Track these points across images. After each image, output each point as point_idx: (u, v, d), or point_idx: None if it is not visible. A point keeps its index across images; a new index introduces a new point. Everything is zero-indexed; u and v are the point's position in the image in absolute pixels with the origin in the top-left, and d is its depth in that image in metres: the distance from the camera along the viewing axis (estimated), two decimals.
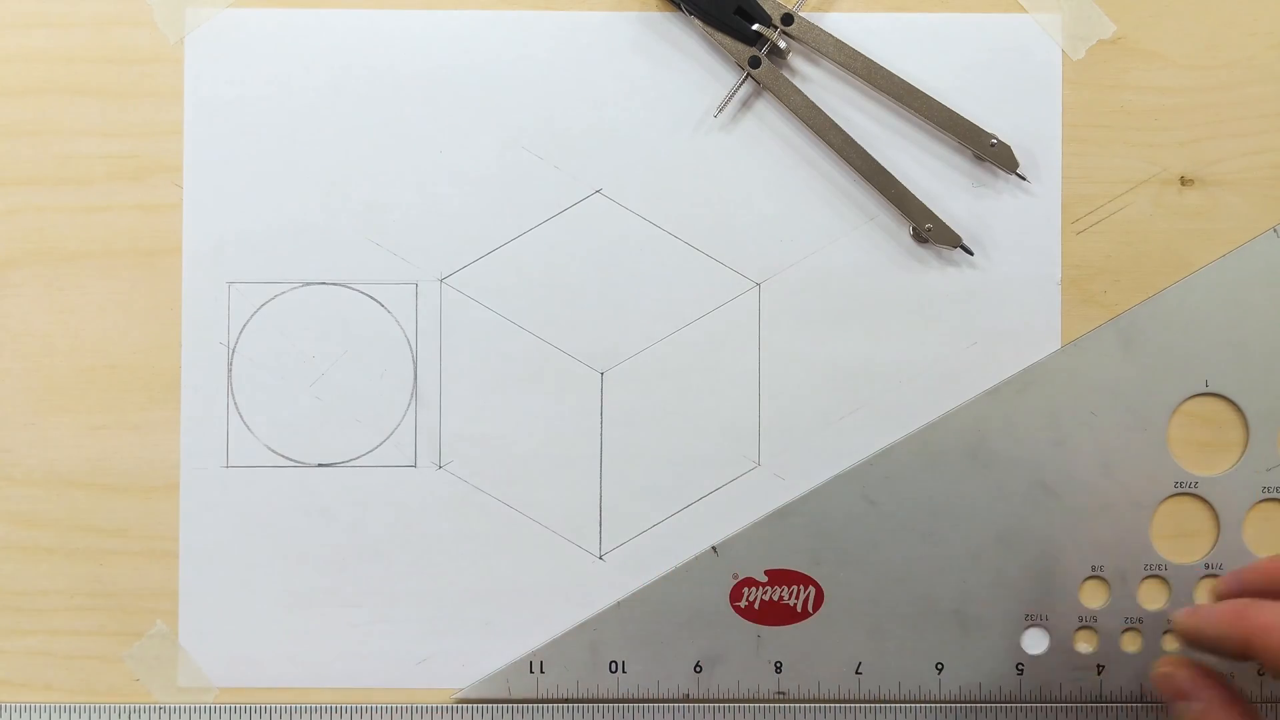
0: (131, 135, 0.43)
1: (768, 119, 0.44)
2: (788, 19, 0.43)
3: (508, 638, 0.43)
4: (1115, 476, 0.43)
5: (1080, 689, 0.43)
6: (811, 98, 0.43)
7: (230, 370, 0.43)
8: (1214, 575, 0.43)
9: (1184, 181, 0.44)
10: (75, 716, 0.43)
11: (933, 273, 0.44)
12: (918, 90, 0.43)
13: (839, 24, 0.44)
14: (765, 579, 0.42)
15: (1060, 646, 0.43)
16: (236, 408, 0.43)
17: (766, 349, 0.44)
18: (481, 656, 0.43)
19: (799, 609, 0.42)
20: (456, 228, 0.44)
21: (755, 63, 0.43)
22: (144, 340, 0.43)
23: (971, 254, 0.43)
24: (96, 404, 0.43)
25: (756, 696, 0.43)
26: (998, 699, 0.43)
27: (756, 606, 0.43)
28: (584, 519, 0.44)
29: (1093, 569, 0.43)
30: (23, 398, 0.43)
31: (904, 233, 0.44)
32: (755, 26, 0.42)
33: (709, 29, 0.43)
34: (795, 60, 0.44)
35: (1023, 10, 0.44)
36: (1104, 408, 0.43)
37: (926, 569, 0.43)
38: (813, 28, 0.43)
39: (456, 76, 0.44)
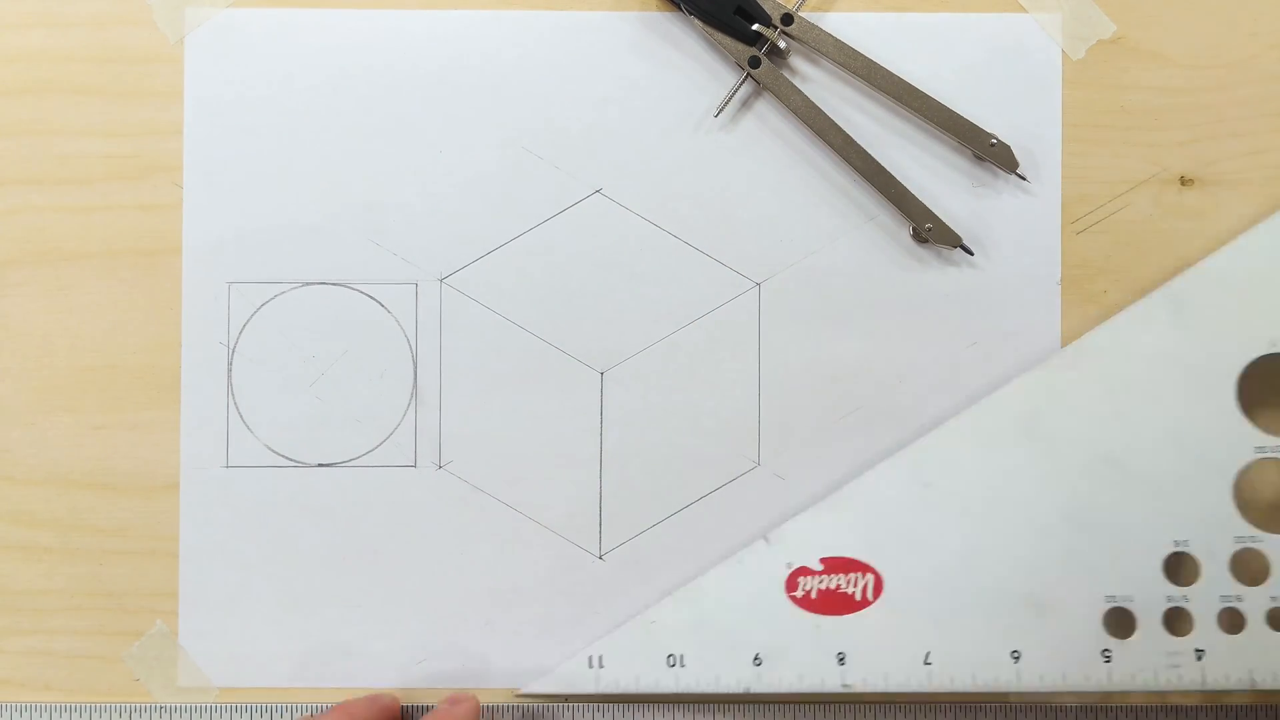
0: (131, 135, 0.43)
1: (768, 119, 0.44)
2: (787, 19, 0.43)
3: (508, 638, 0.43)
4: (1186, 446, 0.40)
5: (1180, 676, 0.40)
6: (811, 98, 0.43)
7: (230, 370, 0.43)
8: None
9: (1184, 181, 0.44)
10: (75, 716, 0.43)
11: (933, 273, 0.44)
12: (918, 90, 0.43)
13: (839, 24, 0.44)
14: (821, 568, 0.41)
15: (1150, 631, 0.40)
16: (236, 408, 0.43)
17: (766, 349, 0.44)
18: (482, 656, 0.43)
19: (858, 597, 0.41)
20: (456, 228, 0.44)
21: (755, 63, 0.43)
22: (144, 340, 0.43)
23: (971, 254, 0.43)
24: (96, 404, 0.43)
25: (820, 690, 0.41)
26: (1084, 688, 0.41)
27: (814, 596, 0.41)
28: (584, 519, 0.44)
29: (1175, 544, 0.40)
30: (23, 398, 0.43)
31: (904, 233, 0.44)
32: (755, 26, 0.42)
33: (709, 29, 0.43)
34: (795, 60, 0.44)
35: (1023, 10, 0.44)
36: (1162, 377, 0.41)
37: (991, 552, 0.41)
38: (813, 28, 0.43)
39: (456, 76, 0.44)
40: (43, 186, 0.43)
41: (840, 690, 0.41)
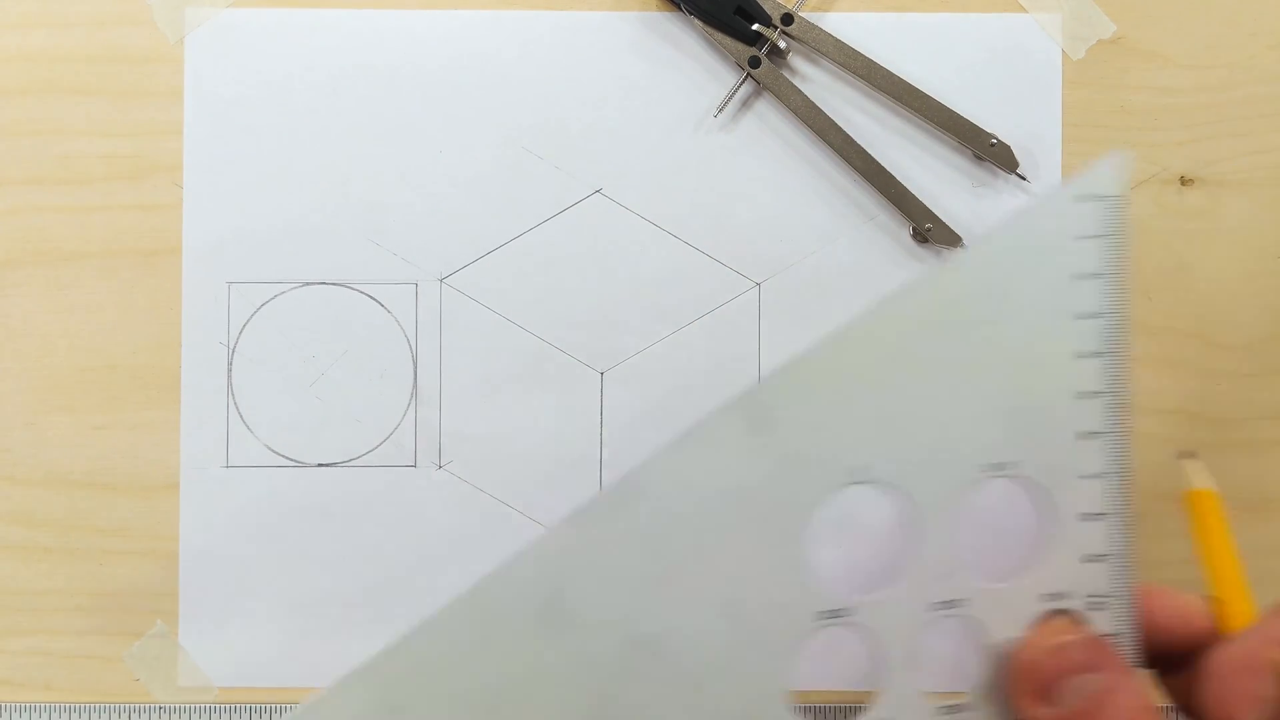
0: (131, 135, 0.43)
1: (768, 119, 0.44)
2: (788, 19, 0.43)
3: None
4: (741, 617, 0.30)
5: None
6: (812, 98, 0.43)
7: (230, 370, 0.43)
8: None
9: (1184, 181, 0.44)
10: (75, 716, 0.43)
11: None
12: (918, 90, 0.43)
13: (839, 24, 0.44)
14: None
15: None
16: (236, 408, 0.43)
17: (766, 349, 0.44)
18: None
19: None
20: (456, 228, 0.44)
21: (755, 63, 0.43)
22: (144, 340, 0.43)
23: None
24: (96, 404, 0.43)
25: None
26: None
27: None
28: None
29: None
30: (23, 398, 0.43)
31: (904, 233, 0.44)
32: (755, 26, 0.42)
33: (709, 29, 0.43)
34: (795, 60, 0.44)
35: (1023, 10, 0.44)
36: (725, 523, 0.30)
37: None
38: (813, 28, 0.43)
39: (456, 76, 0.44)
40: (43, 186, 0.43)
41: None
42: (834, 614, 0.31)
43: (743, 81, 0.43)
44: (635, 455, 0.43)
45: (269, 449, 0.44)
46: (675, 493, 0.30)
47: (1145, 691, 0.30)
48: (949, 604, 0.31)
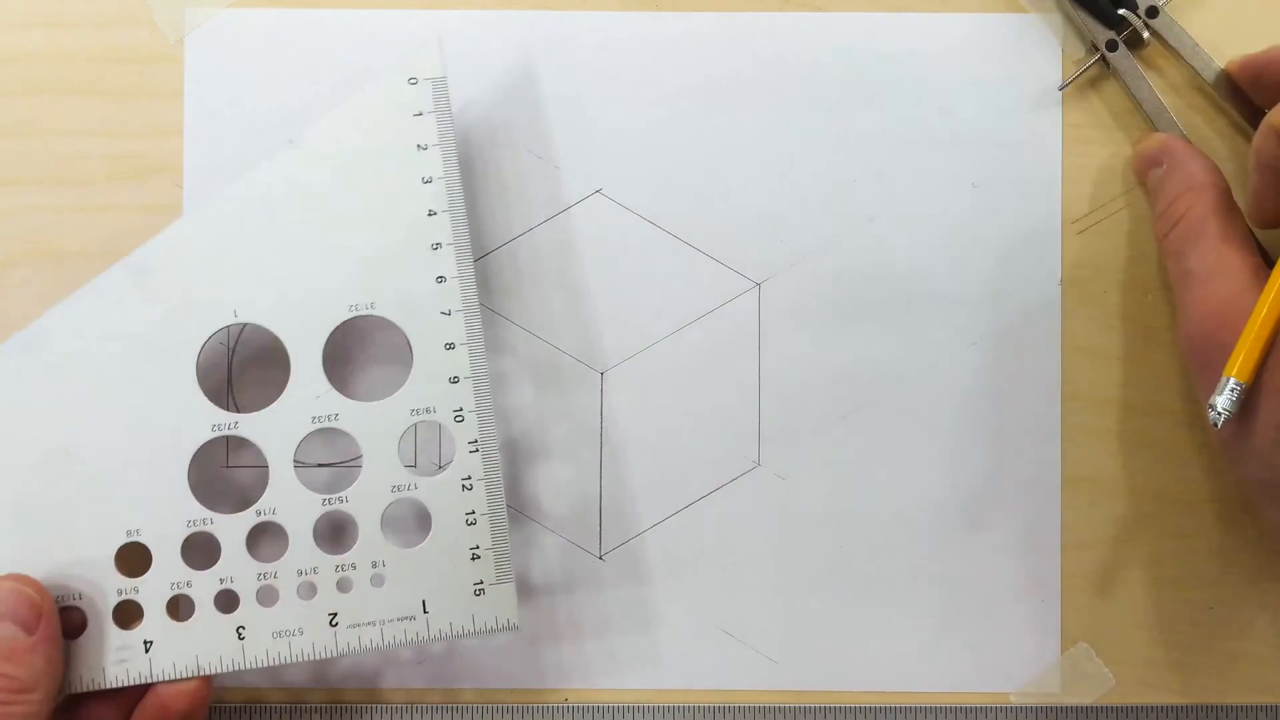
0: (131, 135, 0.43)
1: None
2: (1152, 11, 0.43)
3: (507, 638, 0.43)
4: (147, 431, 0.39)
5: (128, 672, 0.38)
6: (1158, 91, 0.43)
7: (230, 370, 0.43)
8: (268, 521, 0.39)
9: None
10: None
11: (933, 273, 0.44)
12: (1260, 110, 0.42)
13: (1201, 26, 0.44)
14: None
15: (99, 628, 0.38)
16: (237, 407, 0.43)
17: (766, 349, 0.44)
18: (481, 656, 0.43)
19: None
20: None
21: (1113, 46, 0.43)
22: None
23: None
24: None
25: None
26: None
27: None
28: (584, 519, 0.44)
29: (128, 534, 0.38)
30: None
31: (903, 233, 0.44)
32: (1121, 11, 0.43)
33: (1076, 5, 0.43)
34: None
35: (1023, 10, 0.44)
36: (123, 357, 0.39)
37: None
38: (1173, 24, 0.43)
39: (456, 76, 0.44)
40: (43, 186, 0.43)
41: None
42: (223, 426, 0.39)
43: (1094, 61, 0.43)
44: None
45: None
46: (75, 338, 0.39)
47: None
48: (324, 418, 0.39)
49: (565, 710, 0.44)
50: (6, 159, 0.43)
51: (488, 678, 0.44)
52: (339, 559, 0.39)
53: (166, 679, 0.38)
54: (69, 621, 0.38)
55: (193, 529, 0.39)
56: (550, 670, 0.44)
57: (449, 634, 0.39)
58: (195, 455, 0.39)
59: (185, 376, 0.39)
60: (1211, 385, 0.36)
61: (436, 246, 0.39)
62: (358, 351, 0.43)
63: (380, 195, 0.39)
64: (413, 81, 0.40)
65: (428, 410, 0.39)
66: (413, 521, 0.41)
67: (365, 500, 0.39)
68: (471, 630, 0.39)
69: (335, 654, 0.39)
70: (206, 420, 0.39)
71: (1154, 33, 0.43)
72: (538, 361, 0.44)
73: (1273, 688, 0.44)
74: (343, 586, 0.39)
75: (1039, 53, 0.44)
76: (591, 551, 0.44)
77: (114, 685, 0.38)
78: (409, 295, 0.39)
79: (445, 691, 0.44)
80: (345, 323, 0.39)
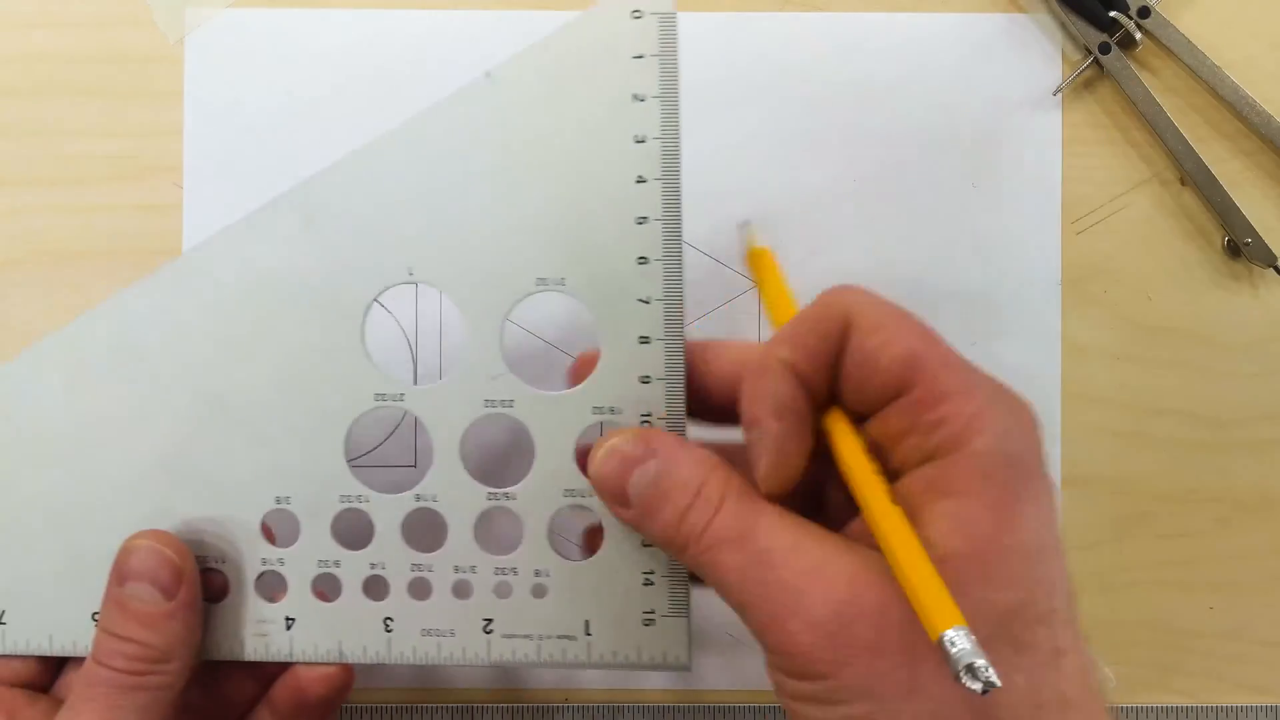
0: (131, 135, 0.43)
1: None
2: (1144, 12, 0.43)
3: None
4: (303, 389, 0.35)
5: (268, 646, 0.35)
6: (1153, 92, 0.43)
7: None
8: (426, 507, 0.35)
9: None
10: None
11: (933, 273, 0.44)
12: (1260, 108, 0.43)
13: (1193, 25, 0.44)
14: None
15: (241, 595, 0.35)
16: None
17: None
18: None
19: None
20: None
21: (1105, 48, 0.43)
22: None
23: None
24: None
25: None
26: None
27: None
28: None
29: (277, 501, 0.35)
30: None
31: (903, 233, 0.44)
32: (1112, 13, 0.43)
33: (1065, 8, 0.43)
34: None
35: (1023, 10, 0.44)
36: (284, 303, 0.35)
37: (77, 504, 0.35)
38: (1168, 25, 0.43)
39: (456, 76, 0.43)
40: (43, 186, 0.43)
41: None
42: (388, 396, 0.35)
43: (1088, 64, 0.43)
44: None
45: None
46: (235, 271, 0.35)
47: (701, 460, 0.31)
48: (497, 403, 0.35)
49: (565, 710, 0.44)
50: (6, 159, 0.43)
51: (488, 678, 0.44)
52: (499, 561, 0.35)
53: (307, 660, 0.35)
54: (210, 585, 0.35)
55: (345, 505, 0.35)
56: (550, 670, 0.44)
57: (611, 662, 0.34)
58: (353, 425, 0.35)
59: (351, 335, 0.35)
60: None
61: (642, 220, 0.34)
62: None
63: (583, 152, 0.34)
64: (636, 15, 0.33)
65: (612, 410, 0.34)
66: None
67: (534, 500, 0.35)
68: (636, 663, 0.34)
69: (488, 663, 0.35)
70: (371, 387, 0.35)
71: (1147, 33, 0.43)
72: (534, 357, 0.44)
73: (1272, 688, 0.44)
74: (501, 591, 0.35)
75: (1039, 53, 0.44)
76: None
77: (252, 659, 0.35)
78: (604, 275, 0.34)
79: (445, 691, 0.43)
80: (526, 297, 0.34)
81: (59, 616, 0.35)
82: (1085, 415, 0.44)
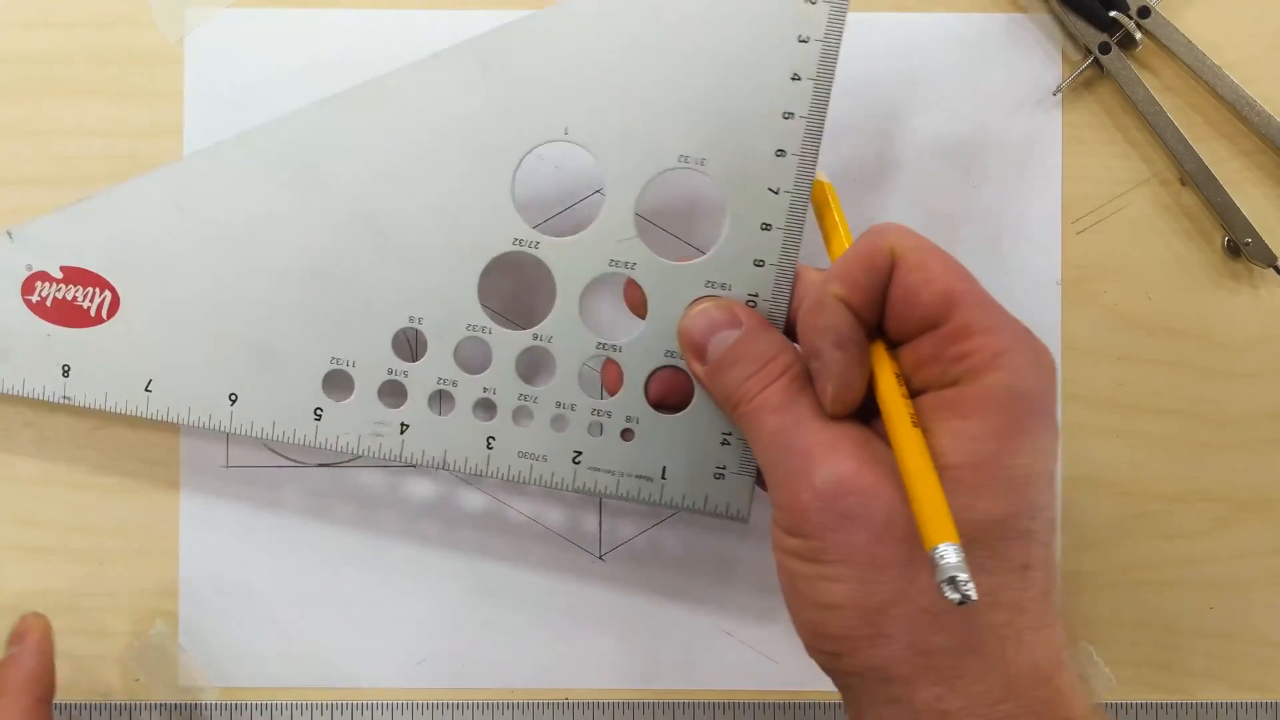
0: (131, 135, 0.43)
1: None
2: (1144, 11, 0.43)
3: (508, 638, 0.43)
4: (450, 223, 0.38)
5: (381, 446, 0.39)
6: (1154, 92, 0.43)
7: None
8: (541, 346, 0.38)
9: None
10: (75, 716, 0.43)
11: None
12: (1259, 107, 0.43)
13: (1193, 25, 0.44)
14: (60, 275, 0.40)
15: (364, 397, 0.39)
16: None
17: None
18: (481, 656, 0.43)
19: (93, 313, 0.39)
20: None
21: (1105, 48, 0.43)
22: None
23: None
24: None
25: (43, 396, 0.40)
26: (292, 441, 0.39)
27: (49, 304, 0.39)
28: (584, 519, 0.44)
29: (410, 319, 0.39)
30: (23, 398, 0.43)
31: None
32: (1112, 13, 0.43)
33: (1065, 8, 0.43)
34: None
35: (1022, 10, 0.44)
36: (451, 143, 0.38)
37: (231, 291, 0.39)
38: (1166, 24, 0.43)
39: None
40: (43, 186, 0.43)
41: (61, 401, 0.40)
42: (525, 242, 0.38)
43: (1088, 64, 0.43)
44: None
45: (269, 449, 0.44)
46: (414, 105, 0.38)
47: (775, 341, 0.35)
48: (621, 264, 0.38)
49: (565, 709, 0.44)
50: (6, 159, 0.43)
51: (488, 677, 0.44)
52: (596, 404, 0.39)
53: (415, 463, 0.39)
54: (336, 383, 0.39)
55: (471, 333, 0.39)
56: (550, 670, 0.44)
57: (680, 505, 0.38)
58: (489, 264, 0.38)
59: (503, 180, 0.38)
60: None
61: (789, 116, 0.36)
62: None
63: (748, 39, 0.36)
64: None
65: (724, 286, 0.37)
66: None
67: (637, 356, 0.38)
68: (702, 508, 0.38)
69: (572, 488, 0.39)
70: (510, 231, 0.38)
71: (1147, 33, 0.43)
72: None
73: (1273, 687, 0.44)
74: (593, 431, 0.39)
75: (1039, 53, 0.44)
76: (591, 551, 0.44)
77: (366, 455, 0.39)
78: (743, 160, 0.37)
79: (446, 691, 0.44)
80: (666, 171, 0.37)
81: (198, 391, 0.39)
82: (1085, 415, 0.44)
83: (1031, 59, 0.44)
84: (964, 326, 0.32)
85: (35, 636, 0.40)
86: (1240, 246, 0.43)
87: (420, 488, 0.44)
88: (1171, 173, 0.44)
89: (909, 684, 0.31)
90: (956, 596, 0.29)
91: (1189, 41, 0.43)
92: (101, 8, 0.43)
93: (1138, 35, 0.43)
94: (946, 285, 0.32)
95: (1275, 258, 0.43)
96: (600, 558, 0.44)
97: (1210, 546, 0.44)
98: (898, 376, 0.33)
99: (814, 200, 0.37)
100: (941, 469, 0.31)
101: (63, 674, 0.43)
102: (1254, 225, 0.43)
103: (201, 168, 0.39)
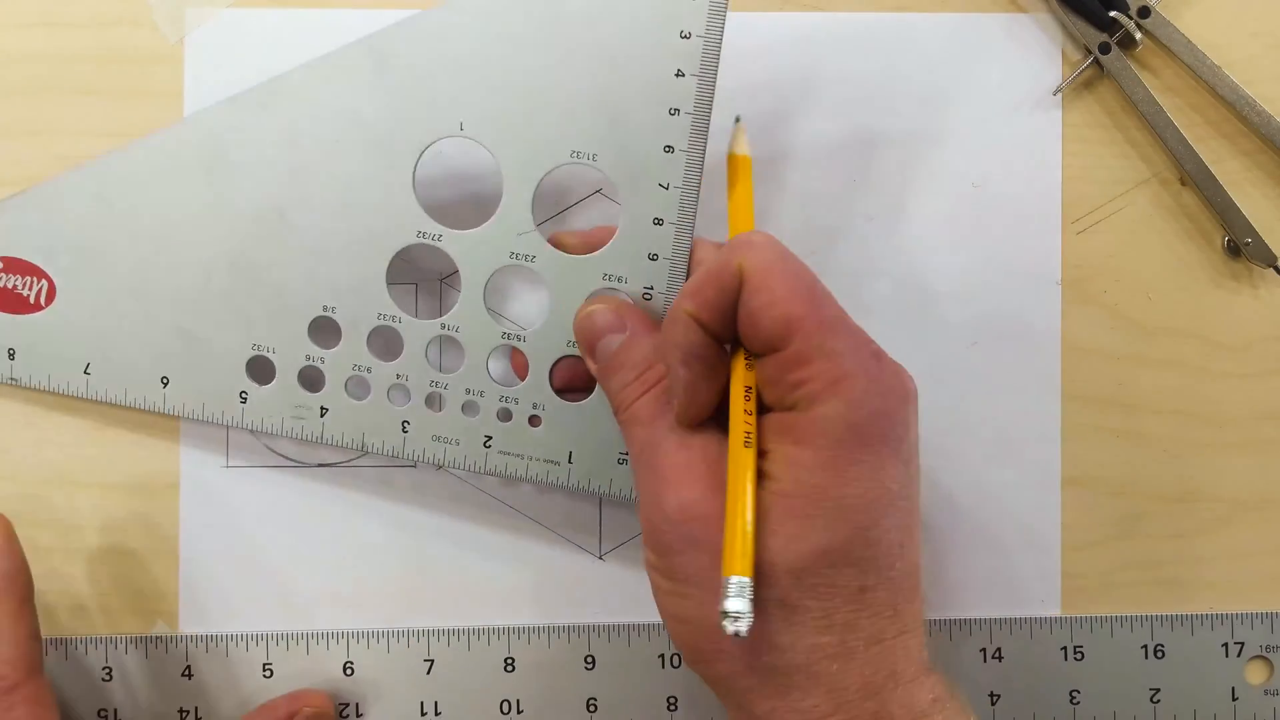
0: (131, 135, 0.43)
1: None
2: (1144, 11, 0.43)
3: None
4: (356, 216, 0.40)
5: (303, 428, 0.41)
6: (1154, 92, 0.43)
7: None
8: (451, 338, 0.40)
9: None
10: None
11: (932, 273, 0.44)
12: (1261, 108, 0.43)
13: (1192, 25, 0.44)
14: (1, 265, 0.41)
15: (284, 382, 0.41)
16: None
17: None
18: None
19: (32, 300, 0.41)
20: None
21: (1105, 48, 0.43)
22: None
23: None
24: (96, 404, 0.43)
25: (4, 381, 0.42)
26: (220, 422, 0.41)
27: None
28: (584, 519, 0.44)
29: (324, 309, 0.40)
30: (23, 397, 0.43)
31: (902, 234, 0.44)
32: (1112, 13, 0.43)
33: (1065, 8, 0.43)
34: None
35: (1023, 10, 0.44)
36: (350, 138, 0.39)
37: (157, 280, 0.41)
38: (1166, 24, 0.43)
39: None
40: None
41: (10, 383, 0.42)
42: (429, 235, 0.39)
43: (1088, 64, 0.43)
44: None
45: (269, 449, 0.44)
46: (312, 102, 0.39)
47: (655, 349, 0.36)
48: (521, 256, 0.39)
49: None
50: (6, 159, 0.43)
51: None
52: (505, 390, 0.40)
53: (335, 444, 0.41)
54: (258, 368, 0.41)
55: (382, 321, 0.40)
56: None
57: (587, 489, 0.40)
58: (395, 256, 0.40)
59: (403, 175, 0.39)
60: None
61: (674, 112, 0.38)
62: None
63: (632, 38, 0.37)
64: None
65: (620, 280, 0.39)
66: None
67: (541, 345, 0.40)
68: (607, 493, 0.40)
69: (484, 471, 0.40)
70: (414, 224, 0.39)
71: (1147, 33, 0.43)
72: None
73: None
74: (502, 416, 0.40)
75: (1039, 52, 0.44)
76: (591, 551, 0.44)
77: (291, 436, 0.41)
78: (632, 157, 0.38)
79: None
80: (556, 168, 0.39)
81: (133, 374, 0.41)
82: (1085, 415, 0.44)
83: (1031, 59, 0.44)
84: (799, 353, 0.32)
85: None
86: (1240, 246, 0.43)
87: (419, 487, 0.44)
88: (1171, 173, 0.44)
89: (748, 696, 0.33)
90: (732, 630, 0.30)
91: (1189, 41, 0.43)
92: (102, 8, 0.43)
93: (1138, 35, 0.43)
94: (786, 311, 0.32)
95: (1275, 258, 0.43)
96: (600, 558, 0.44)
97: (1210, 546, 0.44)
98: (748, 390, 0.34)
99: (729, 171, 0.38)
100: (776, 495, 0.32)
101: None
102: (1254, 225, 0.43)
103: (122, 162, 0.41)
